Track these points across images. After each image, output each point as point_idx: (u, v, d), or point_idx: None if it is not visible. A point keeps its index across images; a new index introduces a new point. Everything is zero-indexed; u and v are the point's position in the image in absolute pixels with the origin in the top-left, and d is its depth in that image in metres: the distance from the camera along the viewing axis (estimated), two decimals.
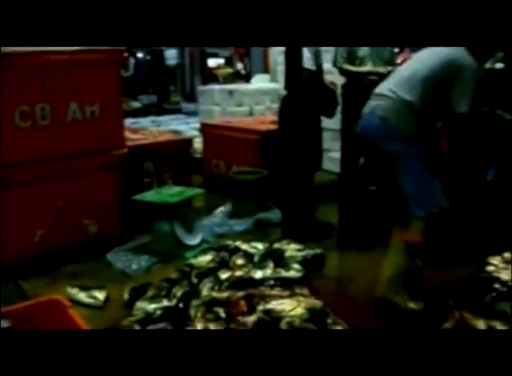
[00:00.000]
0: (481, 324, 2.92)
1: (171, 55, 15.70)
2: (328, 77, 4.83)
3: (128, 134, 5.01)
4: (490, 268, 3.69)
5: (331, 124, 6.06)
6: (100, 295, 3.46)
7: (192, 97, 13.21)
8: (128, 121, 9.47)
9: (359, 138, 3.47)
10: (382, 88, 3.30)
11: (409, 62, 3.40)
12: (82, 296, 3.46)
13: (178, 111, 13.04)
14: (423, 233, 3.23)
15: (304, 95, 4.26)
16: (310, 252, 3.91)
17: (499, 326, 2.87)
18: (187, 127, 9.45)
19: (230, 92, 8.53)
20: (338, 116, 4.75)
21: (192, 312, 3.10)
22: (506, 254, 3.78)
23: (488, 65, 4.06)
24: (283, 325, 2.88)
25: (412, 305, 3.28)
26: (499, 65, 4.37)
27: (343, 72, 4.63)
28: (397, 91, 3.19)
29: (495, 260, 3.77)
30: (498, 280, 3.46)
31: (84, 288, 3.51)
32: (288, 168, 4.35)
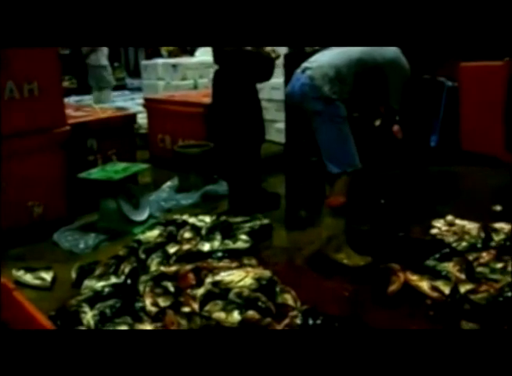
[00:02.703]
0: (424, 285, 3.00)
1: None
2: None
3: (70, 112, 4.94)
4: (434, 230, 3.77)
5: (275, 95, 6.09)
6: (47, 276, 3.41)
7: (136, 73, 12.98)
8: (72, 99, 9.33)
9: (286, 98, 3.74)
10: (317, 55, 3.50)
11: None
12: (29, 278, 3.41)
13: (123, 87, 12.82)
14: (347, 194, 3.41)
15: (235, 67, 4.25)
16: (257, 223, 3.93)
17: (441, 286, 2.95)
18: (132, 103, 9.32)
19: (174, 66, 8.45)
20: (282, 87, 4.74)
21: (141, 287, 3.10)
22: (449, 217, 3.87)
23: None
24: (232, 296, 2.90)
25: (357, 260, 3.41)
26: None
27: None
28: (329, 59, 3.41)
29: (439, 223, 3.85)
30: (441, 241, 3.55)
31: (30, 270, 3.46)
32: (231, 140, 4.34)
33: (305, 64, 3.48)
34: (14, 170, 3.95)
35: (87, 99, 10.01)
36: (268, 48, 4.47)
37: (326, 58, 3.43)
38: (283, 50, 4.73)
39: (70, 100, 8.73)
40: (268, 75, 4.47)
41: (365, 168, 3.40)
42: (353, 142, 3.35)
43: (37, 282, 3.39)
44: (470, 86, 5.24)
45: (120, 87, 12.69)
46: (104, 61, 9.44)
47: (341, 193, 3.40)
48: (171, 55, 11.82)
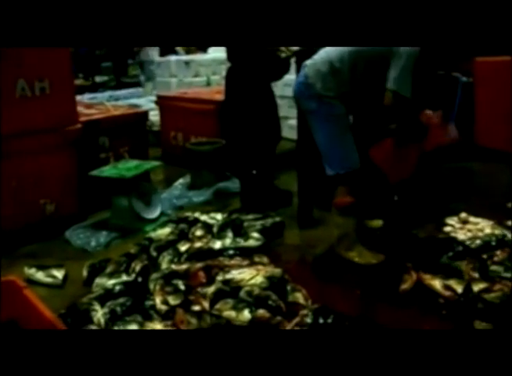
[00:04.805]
0: (437, 284, 2.97)
1: None
2: None
3: (82, 109, 4.94)
4: (447, 228, 3.74)
5: (288, 91, 6.05)
6: (59, 274, 3.41)
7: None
8: (86, 97, 9.34)
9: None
10: (319, 51, 3.47)
11: None
12: (40, 276, 3.42)
13: (136, 84, 12.82)
14: (350, 193, 3.41)
15: (249, 65, 4.23)
16: (269, 220, 3.90)
17: (454, 284, 2.92)
18: (146, 100, 9.32)
19: (187, 63, 8.45)
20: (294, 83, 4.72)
21: (151, 285, 3.09)
22: (463, 215, 3.83)
23: None
24: (243, 294, 2.89)
25: (369, 258, 3.37)
26: None
27: None
28: (324, 54, 3.39)
29: (452, 220, 3.82)
30: (455, 239, 3.51)
31: (42, 268, 3.46)
32: (245, 138, 4.33)
33: (306, 61, 3.45)
34: (26, 168, 3.97)
35: (100, 96, 10.02)
36: (282, 47, 4.44)
37: (323, 53, 3.39)
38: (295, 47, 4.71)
39: (84, 98, 8.75)
40: (281, 74, 4.45)
41: (363, 166, 3.37)
42: (350, 141, 3.31)
43: (48, 280, 3.40)
44: (485, 81, 5.20)
45: (134, 84, 12.70)
46: (155, 57, 9.70)
47: (346, 194, 3.37)
48: (187, 51, 11.81)
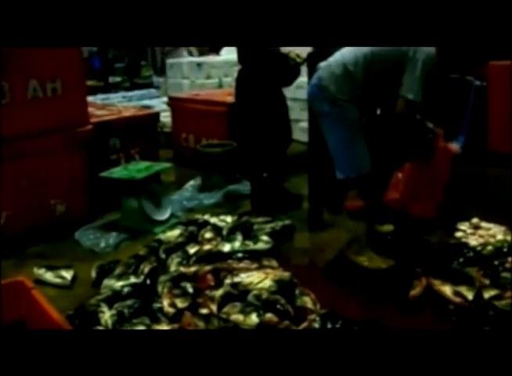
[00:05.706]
0: (447, 290, 2.94)
1: None
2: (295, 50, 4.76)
3: (93, 110, 4.95)
4: (458, 234, 3.70)
5: (300, 94, 6.04)
6: (68, 275, 3.42)
7: (163, 71, 13.03)
8: (99, 97, 9.38)
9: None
10: (335, 53, 3.46)
11: None
12: (49, 276, 3.42)
13: (149, 86, 12.85)
14: (361, 196, 3.39)
15: (259, 68, 4.22)
16: (279, 224, 3.88)
17: (465, 291, 2.89)
18: (158, 101, 9.33)
19: (199, 65, 8.45)
20: (306, 85, 4.69)
21: (159, 287, 3.08)
22: (475, 220, 3.79)
23: None
24: (251, 298, 2.87)
25: (379, 263, 3.35)
26: None
27: None
28: (339, 56, 3.38)
29: (464, 226, 3.78)
30: (466, 245, 3.47)
31: (51, 268, 3.47)
32: (255, 140, 4.32)
33: (321, 63, 3.44)
34: (36, 168, 3.98)
35: (113, 97, 10.05)
36: (293, 54, 4.43)
37: (338, 55, 3.37)
38: (307, 49, 4.68)
39: (97, 98, 8.77)
40: (290, 80, 4.44)
41: (374, 170, 3.34)
42: (362, 145, 3.28)
43: (57, 280, 3.40)
44: (498, 85, 5.15)
45: (147, 85, 12.74)
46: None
47: (357, 197, 3.36)
48: (203, 53, 11.83)
